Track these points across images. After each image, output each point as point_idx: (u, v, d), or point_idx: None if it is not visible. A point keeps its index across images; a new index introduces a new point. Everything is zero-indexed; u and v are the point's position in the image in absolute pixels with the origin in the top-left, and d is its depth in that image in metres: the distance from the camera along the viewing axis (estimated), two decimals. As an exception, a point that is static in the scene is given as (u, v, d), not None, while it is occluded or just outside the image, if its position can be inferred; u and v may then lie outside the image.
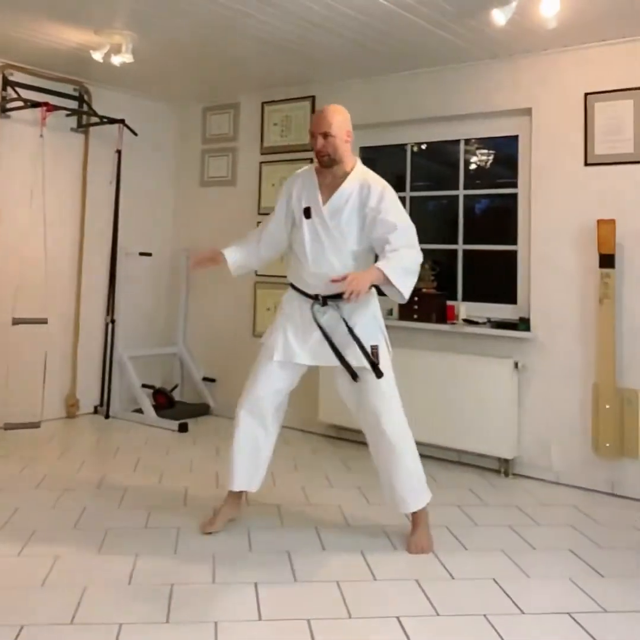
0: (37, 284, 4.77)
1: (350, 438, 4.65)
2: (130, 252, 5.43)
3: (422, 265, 4.42)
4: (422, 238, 4.69)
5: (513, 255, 4.33)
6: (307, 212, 2.98)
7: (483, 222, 4.70)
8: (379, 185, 2.94)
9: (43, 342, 4.72)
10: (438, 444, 4.27)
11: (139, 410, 5.14)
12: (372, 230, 2.89)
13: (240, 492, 3.14)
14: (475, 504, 3.58)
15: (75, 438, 4.73)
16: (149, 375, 5.47)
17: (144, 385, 5.25)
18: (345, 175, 2.96)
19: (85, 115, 5.16)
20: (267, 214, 5.30)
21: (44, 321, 4.66)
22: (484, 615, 2.41)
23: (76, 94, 5.15)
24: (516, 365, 4.05)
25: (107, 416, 5.21)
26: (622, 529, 3.29)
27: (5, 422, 4.46)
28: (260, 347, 3.11)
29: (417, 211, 4.85)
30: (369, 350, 2.90)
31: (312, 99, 5.08)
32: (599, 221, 3.82)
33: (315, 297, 2.96)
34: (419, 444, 4.31)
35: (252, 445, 3.04)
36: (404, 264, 2.85)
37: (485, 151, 4.68)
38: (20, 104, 4.69)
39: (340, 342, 2.92)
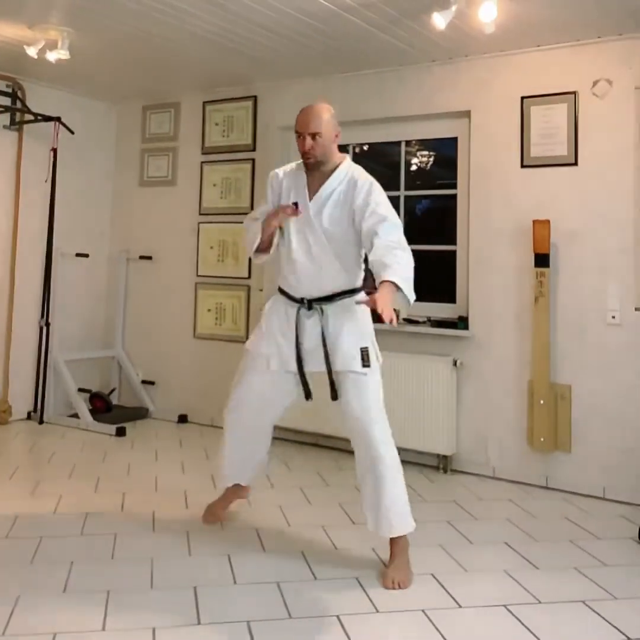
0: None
1: (292, 438, 4.63)
2: (66, 253, 5.29)
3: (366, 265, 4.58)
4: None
5: (452, 255, 4.39)
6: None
7: (424, 223, 4.76)
8: (367, 180, 2.83)
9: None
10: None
11: (75, 415, 5.00)
12: (362, 223, 2.75)
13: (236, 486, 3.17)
14: (414, 501, 3.49)
15: (6, 445, 4.55)
16: (86, 379, 5.33)
17: (80, 390, 5.11)
18: (332, 172, 2.86)
19: (18, 113, 5.02)
20: (208, 214, 5.37)
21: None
22: (422, 610, 2.43)
23: (9, 90, 5.00)
24: (455, 363, 4.11)
25: (41, 422, 5.04)
26: (556, 522, 3.36)
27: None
28: (246, 354, 2.99)
29: (359, 212, 4.88)
30: (359, 353, 2.77)
31: (254, 98, 5.06)
32: (534, 221, 3.91)
33: (301, 301, 2.86)
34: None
35: (242, 446, 3.06)
36: (408, 272, 2.64)
37: (426, 152, 4.74)
38: (-52, 99, 4.52)
39: (328, 347, 2.81)
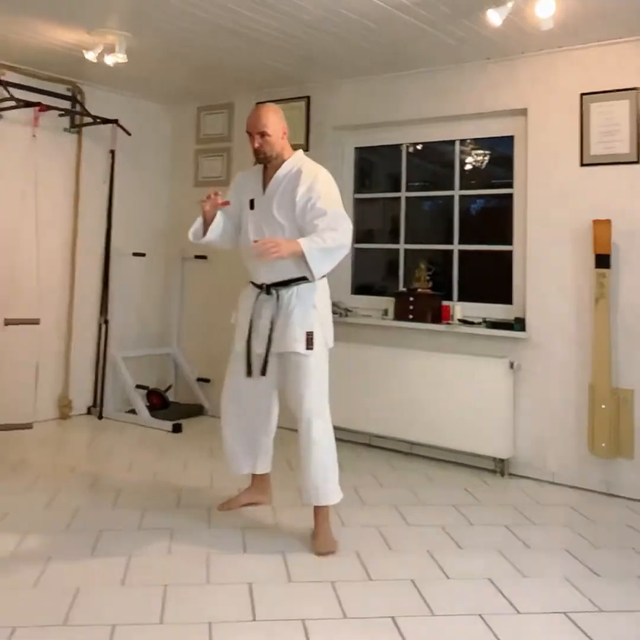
0: (29, 284, 4.74)
1: (345, 438, 4.62)
2: (123, 253, 5.41)
3: (418, 265, 4.56)
4: (418, 238, 4.80)
5: (508, 255, 4.32)
6: (251, 204, 3.07)
7: (478, 223, 4.69)
8: (312, 170, 2.98)
9: (35, 343, 4.69)
10: (434, 444, 4.27)
11: (133, 411, 5.11)
12: (303, 216, 2.91)
13: (263, 475, 3.35)
14: (470, 504, 3.57)
15: (68, 439, 4.70)
16: (143, 376, 5.44)
17: (137, 386, 5.23)
18: (281, 165, 3.04)
19: (78, 116, 5.14)
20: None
21: (36, 322, 4.63)
22: (480, 615, 2.40)
23: (69, 94, 5.13)
24: (511, 365, 4.04)
25: (100, 417, 5.17)
26: (617, 529, 3.28)
27: (-1, 422, 4.44)
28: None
29: (413, 212, 4.85)
30: (304, 336, 2.94)
31: (307, 99, 5.07)
32: (594, 221, 3.81)
33: (261, 287, 3.05)
34: (414, 444, 4.38)
35: (240, 431, 3.21)
36: (324, 246, 2.82)
37: (481, 151, 4.68)
38: (13, 103, 4.65)
39: (277, 330, 2.98)
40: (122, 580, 2.59)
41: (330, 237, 2.83)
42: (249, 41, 4.10)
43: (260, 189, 3.07)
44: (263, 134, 2.97)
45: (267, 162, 3.04)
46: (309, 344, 2.94)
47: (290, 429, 4.70)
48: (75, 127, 5.19)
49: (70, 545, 2.89)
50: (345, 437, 4.61)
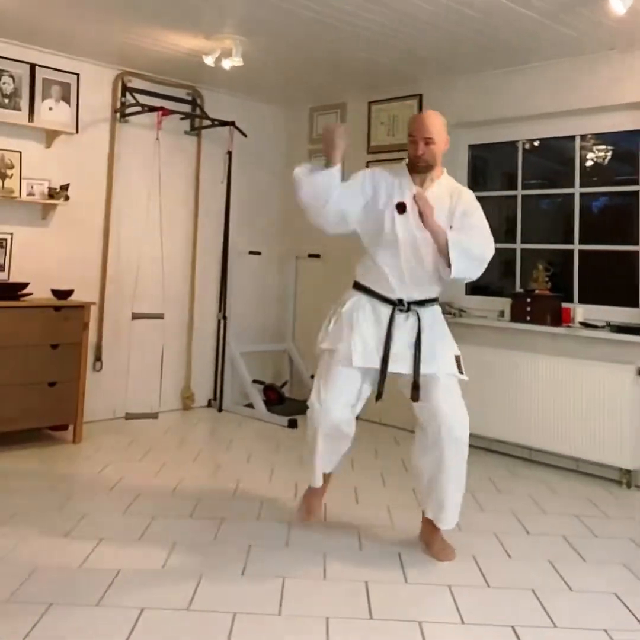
0: (154, 280, 4.97)
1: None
2: (241, 251, 5.58)
3: (536, 265, 4.44)
4: (535, 237, 4.66)
5: (634, 255, 4.13)
6: (401, 207, 2.82)
7: (601, 221, 4.51)
8: (470, 193, 2.93)
9: (160, 337, 4.91)
10: (555, 451, 4.15)
11: (250, 405, 5.28)
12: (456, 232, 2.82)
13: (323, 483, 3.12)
14: (594, 515, 3.44)
15: (191, 429, 4.92)
16: (260, 371, 5.62)
17: (254, 381, 5.40)
18: (433, 180, 2.88)
19: (197, 119, 5.34)
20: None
21: (160, 316, 4.85)
22: (605, 630, 2.32)
23: (189, 98, 5.34)
24: (639, 371, 3.86)
25: (220, 409, 5.38)
26: None
27: (126, 411, 4.69)
28: (326, 353, 2.95)
29: (529, 210, 4.72)
30: (453, 359, 2.86)
31: (419, 97, 5.04)
32: None
33: (397, 302, 2.84)
34: (534, 450, 4.27)
35: (332, 444, 2.98)
36: (469, 246, 2.74)
37: (603, 147, 4.48)
38: (138, 109, 4.89)
39: (425, 350, 2.82)
40: (242, 570, 2.68)
41: (479, 242, 2.78)
42: (361, 40, 4.12)
43: (412, 190, 2.83)
44: (429, 141, 2.78)
45: (424, 171, 2.85)
46: (459, 368, 2.87)
47: (404, 429, 4.76)
48: (195, 130, 5.39)
49: (195, 532, 3.02)
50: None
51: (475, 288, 4.89)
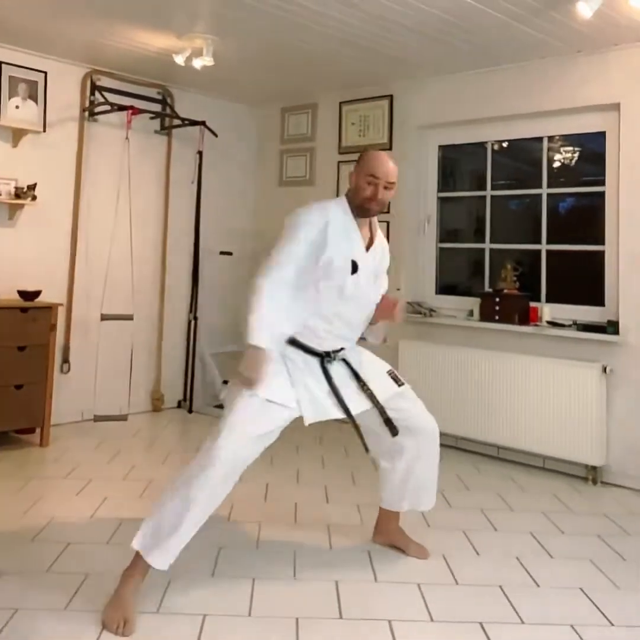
0: (123, 281, 4.93)
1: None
2: (211, 251, 5.55)
3: (504, 265, 4.48)
4: (504, 238, 4.72)
5: (600, 255, 4.19)
6: (354, 266, 2.59)
7: (567, 222, 4.57)
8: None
9: (129, 338, 4.88)
10: (522, 448, 4.20)
11: (221, 406, 5.23)
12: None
13: None
14: (561, 511, 3.49)
15: (160, 431, 4.88)
16: (231, 372, 5.56)
17: (225, 382, 5.36)
18: (374, 225, 2.75)
19: (168, 118, 5.30)
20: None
21: (130, 317, 4.81)
22: (571, 626, 2.35)
23: (160, 97, 5.30)
24: (604, 369, 3.92)
25: (190, 411, 5.35)
26: None
27: (95, 414, 4.65)
28: (256, 401, 2.48)
29: (499, 210, 4.77)
30: (388, 376, 2.82)
31: (390, 97, 5.07)
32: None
33: (325, 354, 2.64)
34: (502, 448, 4.32)
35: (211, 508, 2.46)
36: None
37: (570, 148, 4.55)
38: (107, 107, 4.84)
39: (367, 381, 2.73)
40: (212, 571, 2.67)
41: None
42: (332, 40, 4.13)
43: (362, 248, 2.64)
44: (390, 186, 2.61)
45: (372, 215, 2.68)
46: (398, 380, 2.82)
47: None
48: (165, 129, 5.35)
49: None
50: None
51: (444, 288, 4.94)
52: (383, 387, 2.76)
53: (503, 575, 2.73)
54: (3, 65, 4.51)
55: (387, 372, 2.82)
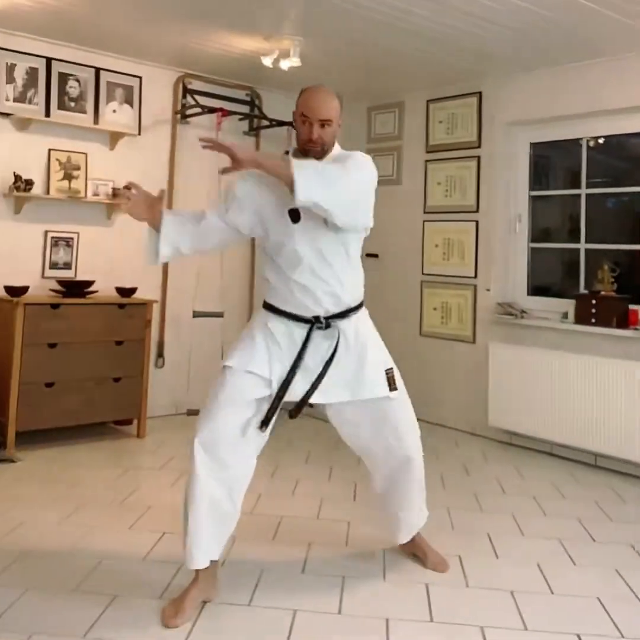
0: (214, 280, 5.04)
1: (523, 444, 4.53)
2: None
3: (601, 265, 4.32)
4: (600, 237, 4.55)
5: None
6: (295, 215, 2.39)
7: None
8: (351, 152, 2.47)
9: (220, 335, 4.97)
10: (621, 457, 4.04)
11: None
12: None
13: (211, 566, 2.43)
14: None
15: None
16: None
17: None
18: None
19: (256, 119, 5.38)
20: (432, 212, 5.37)
21: (220, 315, 4.92)
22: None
23: (248, 98, 5.39)
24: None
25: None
26: None
27: (188, 408, 4.77)
28: (224, 373, 2.47)
29: (594, 209, 4.60)
30: (384, 375, 2.52)
31: (479, 94, 4.98)
32: None
33: (313, 320, 2.43)
34: (600, 455, 4.17)
35: (216, 500, 2.36)
36: (323, 170, 2.29)
37: (675, 143, 4.35)
38: (198, 110, 4.97)
39: (350, 372, 2.47)
40: (302, 568, 2.70)
41: (336, 168, 2.33)
42: (420, 39, 4.09)
43: None
44: (325, 123, 2.38)
45: (319, 157, 2.42)
46: (392, 383, 2.51)
47: (459, 431, 4.69)
48: (254, 130, 5.44)
49: (254, 529, 3.04)
50: (524, 444, 4.52)
51: (537, 289, 4.80)
52: (363, 386, 2.48)
53: (600, 587, 2.63)
54: (101, 72, 4.70)
55: (386, 370, 2.53)
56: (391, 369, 2.56)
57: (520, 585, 2.61)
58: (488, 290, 4.83)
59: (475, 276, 4.94)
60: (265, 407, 2.42)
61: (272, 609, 2.37)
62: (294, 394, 2.43)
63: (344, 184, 2.31)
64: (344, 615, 2.36)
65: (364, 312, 2.59)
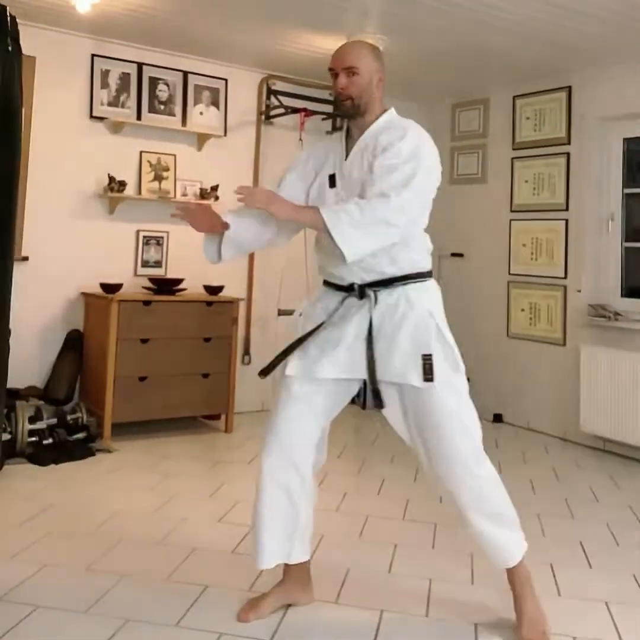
0: (299, 279, 5.08)
1: (618, 451, 4.37)
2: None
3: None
4: None
5: None
6: (332, 180, 2.27)
7: None
8: (408, 126, 2.23)
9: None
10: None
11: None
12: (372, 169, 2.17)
13: (302, 565, 2.36)
14: None
15: (335, 423, 4.86)
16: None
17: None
18: (373, 122, 2.26)
19: (339, 118, 5.39)
20: (520, 211, 5.24)
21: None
22: None
23: (331, 98, 5.38)
24: None
25: (363, 407, 5.37)
26: None
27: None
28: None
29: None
30: (420, 360, 2.15)
31: (568, 89, 4.83)
32: None
33: (348, 288, 2.24)
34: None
35: (282, 503, 2.26)
36: (358, 216, 2.05)
37: None
38: (282, 111, 5.03)
39: (381, 347, 2.18)
40: (388, 568, 2.69)
41: (374, 206, 2.06)
42: (505, 33, 4.01)
43: (340, 158, 2.27)
44: (350, 71, 2.19)
45: (352, 114, 2.23)
46: (428, 372, 2.14)
47: (549, 436, 4.53)
48: (336, 130, 5.44)
49: (341, 527, 3.05)
50: (616, 450, 4.37)
51: (632, 290, 4.62)
52: (395, 368, 2.18)
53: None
54: (189, 75, 4.82)
55: (423, 355, 2.16)
56: (430, 356, 2.15)
57: (615, 597, 2.52)
58: (579, 291, 4.68)
59: (565, 277, 4.79)
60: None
61: (358, 608, 2.37)
62: (324, 370, 2.22)
63: (390, 217, 2.07)
64: (431, 618, 2.34)
65: (423, 286, 2.24)
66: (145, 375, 4.21)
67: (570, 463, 4.25)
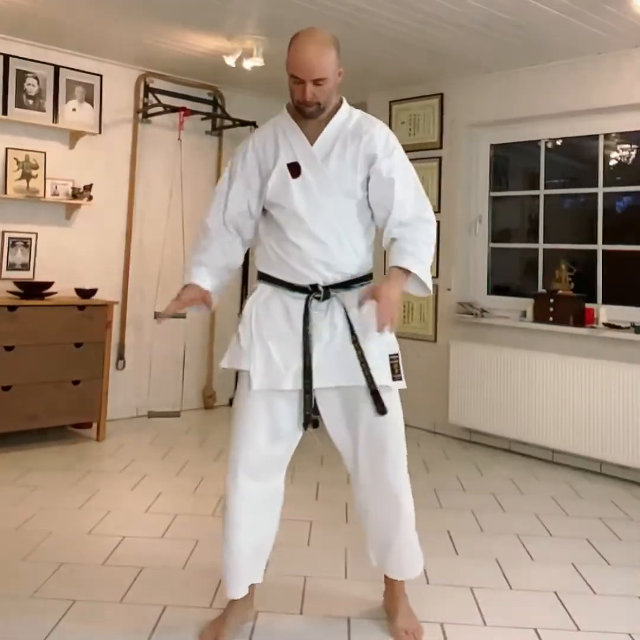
0: (176, 280, 4.97)
1: (483, 442, 4.59)
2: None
3: (559, 265, 4.41)
4: (558, 238, 4.64)
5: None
6: (295, 169, 2.14)
7: (625, 221, 4.46)
8: (383, 128, 2.24)
9: (182, 336, 4.96)
10: (578, 453, 4.12)
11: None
12: (374, 191, 2.16)
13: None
14: (619, 518, 3.40)
15: (212, 428, 4.94)
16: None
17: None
18: (333, 114, 2.20)
19: (219, 119, 5.36)
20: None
21: (182, 316, 4.85)
22: (629, 634, 2.30)
23: (210, 98, 5.36)
24: (664, 373, 3.82)
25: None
26: None
27: (149, 410, 4.74)
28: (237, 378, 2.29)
29: (552, 210, 4.69)
30: (386, 361, 2.16)
31: (441, 96, 5.02)
32: None
33: (311, 289, 2.15)
34: (557, 451, 4.26)
35: (253, 526, 2.18)
36: (427, 254, 2.13)
37: (627, 146, 4.44)
38: (160, 109, 4.93)
39: (350, 352, 2.13)
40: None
41: (427, 239, 2.15)
42: (381, 39, 4.12)
43: (304, 142, 2.15)
44: (319, 81, 2.08)
45: (316, 116, 2.16)
46: (396, 371, 2.16)
47: (420, 430, 4.73)
48: (216, 130, 5.42)
49: (217, 530, 3.01)
50: (482, 441, 4.59)
51: (497, 288, 4.87)
52: (355, 369, 2.13)
53: (559, 581, 2.67)
54: (61, 69, 4.63)
55: (390, 355, 2.17)
56: (397, 355, 2.19)
57: (479, 582, 2.64)
58: (449, 289, 4.89)
59: (437, 276, 4.98)
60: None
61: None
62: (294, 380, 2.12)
63: (434, 234, 2.20)
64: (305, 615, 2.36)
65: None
66: (10, 384, 4.01)
67: (440, 455, 4.43)
